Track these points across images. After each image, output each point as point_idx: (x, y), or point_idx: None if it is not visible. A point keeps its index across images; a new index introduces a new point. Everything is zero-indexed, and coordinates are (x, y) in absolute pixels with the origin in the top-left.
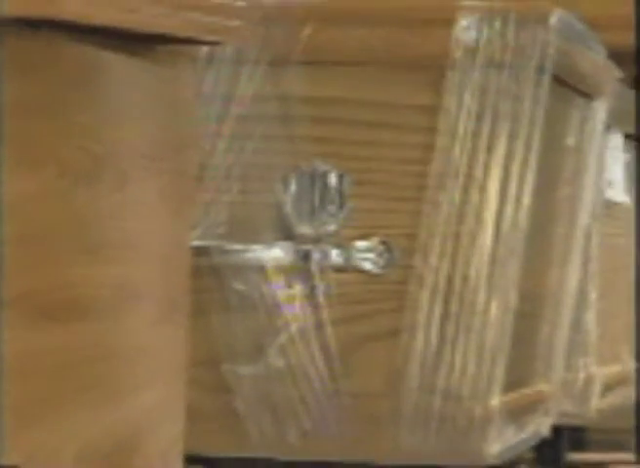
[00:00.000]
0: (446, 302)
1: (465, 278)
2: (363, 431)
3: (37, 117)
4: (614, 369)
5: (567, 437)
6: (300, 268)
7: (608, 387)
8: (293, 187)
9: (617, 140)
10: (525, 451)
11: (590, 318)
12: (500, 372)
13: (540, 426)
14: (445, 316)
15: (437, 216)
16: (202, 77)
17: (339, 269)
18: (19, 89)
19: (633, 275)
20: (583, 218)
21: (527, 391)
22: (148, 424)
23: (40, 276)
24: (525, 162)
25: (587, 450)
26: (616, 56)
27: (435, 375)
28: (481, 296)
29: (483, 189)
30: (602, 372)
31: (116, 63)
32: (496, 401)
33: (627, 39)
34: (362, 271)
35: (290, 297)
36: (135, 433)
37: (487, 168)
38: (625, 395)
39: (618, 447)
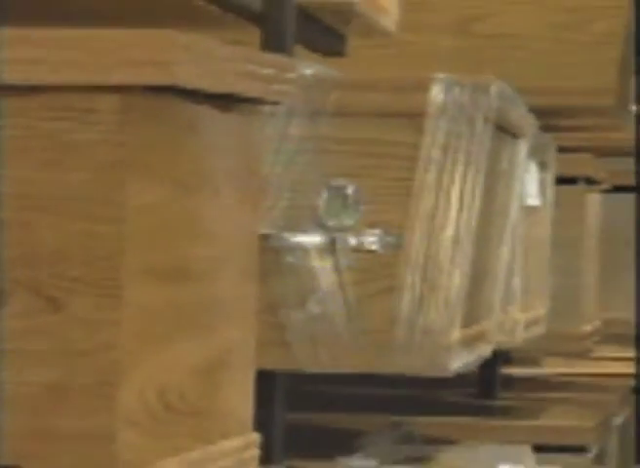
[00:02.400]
0: (424, 270)
1: (437, 255)
2: (370, 353)
3: (160, 151)
4: (531, 314)
5: (500, 356)
6: (330, 248)
7: (527, 325)
8: (325, 196)
9: (533, 166)
10: (473, 366)
11: (516, 280)
12: (458, 315)
13: (484, 350)
14: (423, 279)
15: (418, 216)
16: (267, 125)
17: (354, 249)
18: (146, 134)
19: (545, 253)
20: (512, 216)
21: (476, 327)
22: (232, 351)
23: (162, 253)
24: (475, 180)
25: (512, 365)
26: (534, 110)
27: (417, 318)
28: (447, 266)
29: (448, 198)
30: (523, 316)
31: (211, 116)
32: (456, 334)
33: (543, 101)
34: (370, 250)
35: (323, 267)
36: (224, 356)
37: (450, 184)
38: (538, 330)
39: (533, 362)
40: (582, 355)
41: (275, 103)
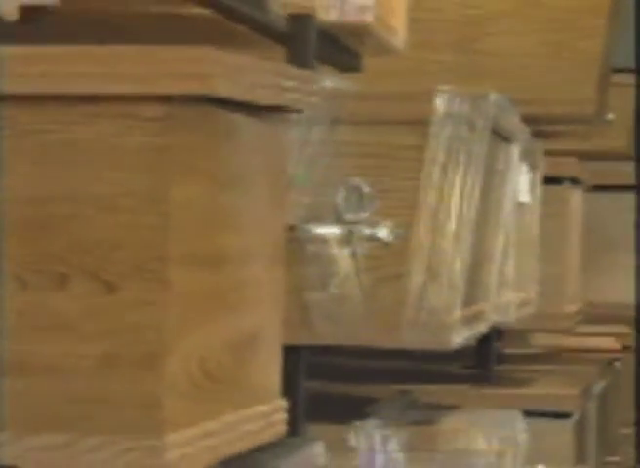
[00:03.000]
0: (429, 258)
1: (440, 244)
2: (382, 330)
3: (198, 153)
4: (522, 295)
5: (495, 333)
6: (347, 239)
7: (519, 306)
8: (342, 193)
9: (524, 167)
10: (471, 341)
11: (510, 266)
12: (459, 297)
13: (481, 327)
14: (429, 266)
15: (423, 210)
16: (291, 130)
17: (368, 239)
18: (187, 138)
19: (534, 243)
20: (506, 211)
21: (475, 308)
22: (262, 327)
23: (201, 242)
24: (474, 180)
25: (506, 341)
26: (525, 119)
27: (423, 299)
28: (449, 254)
29: (450, 195)
30: (516, 298)
31: (244, 122)
32: (457, 313)
33: (533, 111)
34: (381, 241)
35: (341, 255)
36: (255, 332)
37: (452, 182)
38: (528, 310)
39: (523, 338)
40: (566, 332)
41: (299, 112)
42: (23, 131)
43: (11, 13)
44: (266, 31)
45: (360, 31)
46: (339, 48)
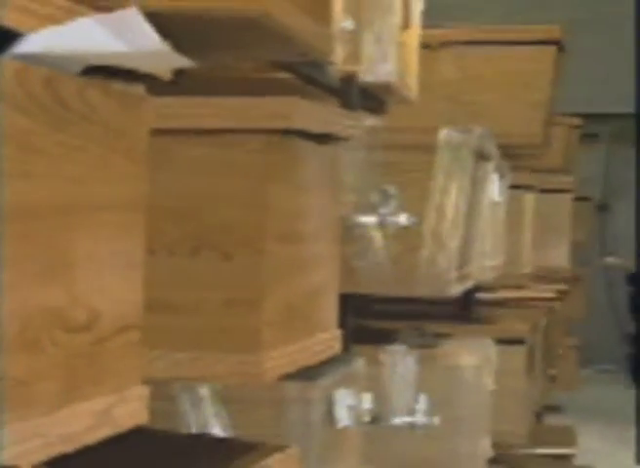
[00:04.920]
0: (435, 237)
1: (442, 228)
2: (403, 284)
3: (285, 167)
4: (494, 262)
5: (476, 287)
6: (380, 225)
7: (492, 269)
8: (377, 194)
9: (496, 177)
10: (462, 293)
11: (487, 243)
12: (455, 263)
13: (468, 284)
14: (434, 242)
15: (431, 206)
16: (343, 152)
17: (394, 225)
18: (278, 157)
19: (502, 227)
20: (484, 207)
21: (464, 270)
22: (325, 282)
23: (286, 225)
24: (465, 185)
25: (482, 292)
26: (498, 146)
27: (432, 265)
28: (448, 235)
29: (449, 196)
30: (490, 264)
31: (314, 147)
32: (454, 273)
33: (502, 140)
34: (403, 227)
35: (375, 236)
36: (321, 285)
37: (450, 188)
38: (497, 272)
39: (494, 291)
40: (522, 287)
41: (349, 140)
42: (170, 152)
43: (166, 74)
44: (325, 87)
45: (387, 87)
46: (373, 98)
